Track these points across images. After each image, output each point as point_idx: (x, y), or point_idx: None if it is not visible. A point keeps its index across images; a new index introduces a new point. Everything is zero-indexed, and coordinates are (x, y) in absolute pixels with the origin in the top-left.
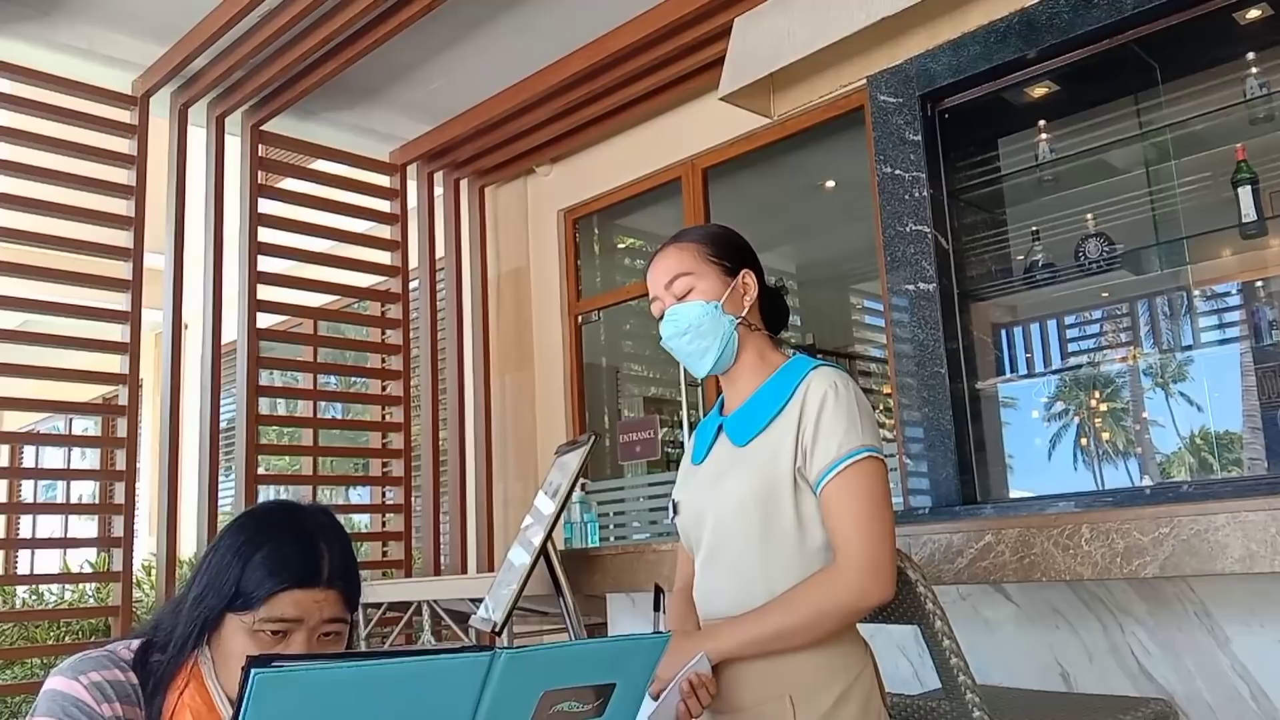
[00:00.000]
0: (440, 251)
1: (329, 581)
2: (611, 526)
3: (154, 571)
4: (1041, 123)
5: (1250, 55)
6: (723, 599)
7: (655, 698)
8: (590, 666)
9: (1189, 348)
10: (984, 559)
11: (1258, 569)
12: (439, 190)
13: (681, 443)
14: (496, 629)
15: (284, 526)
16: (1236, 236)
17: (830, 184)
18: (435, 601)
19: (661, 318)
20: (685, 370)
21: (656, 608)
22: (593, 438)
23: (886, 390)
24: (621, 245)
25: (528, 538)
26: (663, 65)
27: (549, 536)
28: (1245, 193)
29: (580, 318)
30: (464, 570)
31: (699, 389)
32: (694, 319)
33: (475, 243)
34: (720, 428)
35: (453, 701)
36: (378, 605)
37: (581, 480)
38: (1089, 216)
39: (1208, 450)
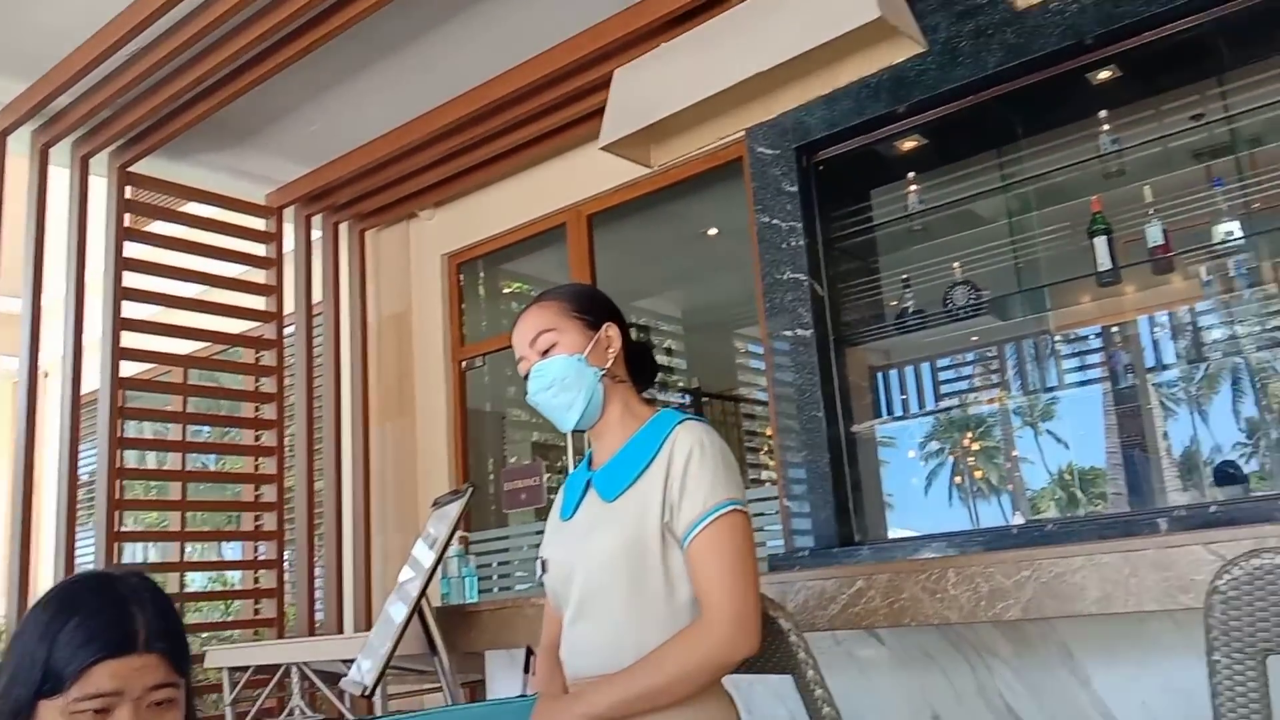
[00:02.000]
0: (318, 296)
1: (147, 645)
2: (495, 577)
3: (5, 637)
4: (911, 174)
5: (1103, 113)
6: (592, 657)
7: None
8: None
9: (1053, 389)
10: (856, 604)
11: (1114, 609)
12: (317, 233)
13: None
14: (367, 692)
15: (92, 596)
16: (1094, 284)
17: (713, 231)
18: (305, 664)
19: (528, 376)
20: None
21: (526, 669)
22: (471, 489)
23: (769, 432)
24: (507, 290)
25: (403, 594)
26: (546, 113)
27: (423, 594)
28: (1100, 243)
29: (464, 363)
30: (340, 628)
31: (585, 435)
32: (559, 373)
33: (355, 287)
34: (589, 483)
35: None
36: (244, 668)
37: (461, 534)
38: (956, 265)
39: (1075, 486)
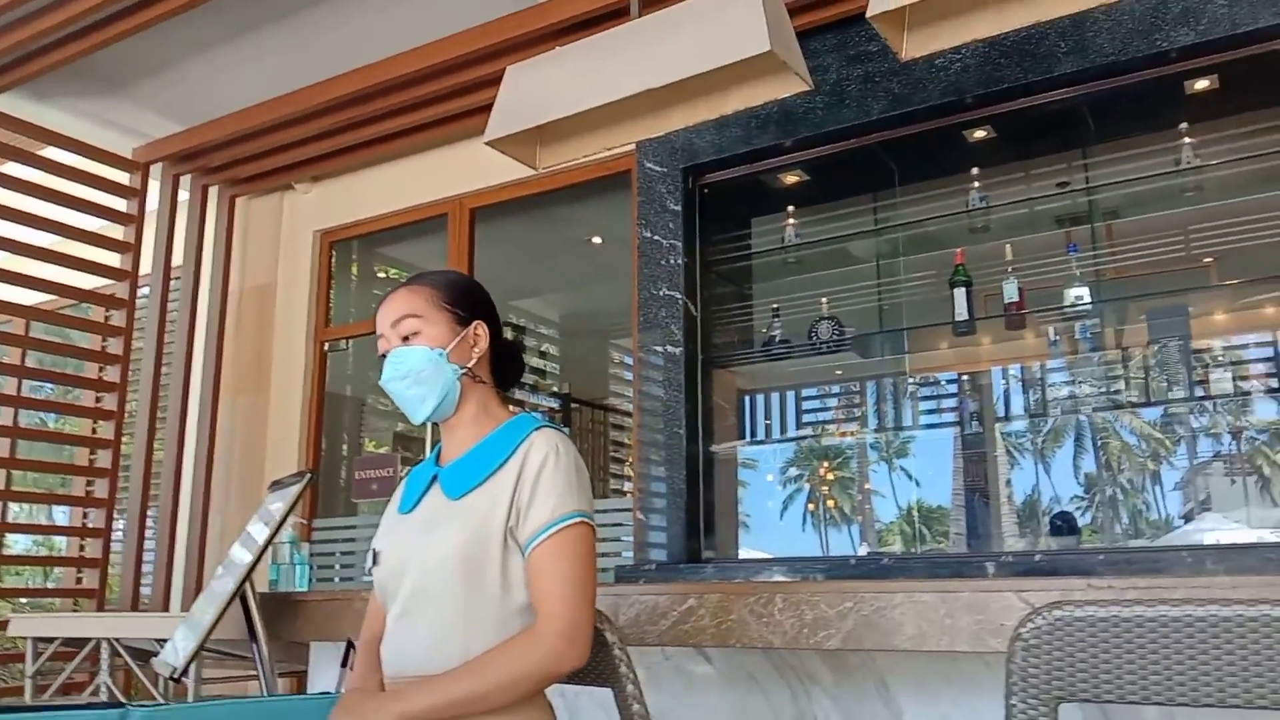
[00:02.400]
0: (178, 259)
1: None
2: (337, 567)
3: None
4: (791, 208)
5: (975, 170)
6: (415, 658)
7: None
8: None
9: (908, 428)
10: (686, 622)
11: (927, 647)
12: (184, 195)
13: None
14: (176, 674)
15: None
16: (950, 332)
17: (597, 240)
18: (117, 639)
19: (385, 357)
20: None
21: (345, 663)
22: (311, 475)
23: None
24: (381, 275)
25: (232, 568)
26: (436, 101)
27: (248, 577)
28: (960, 294)
29: (327, 345)
30: (166, 606)
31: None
32: (415, 364)
33: (219, 254)
34: (434, 478)
35: None
36: (50, 640)
37: (299, 520)
38: (824, 300)
39: (921, 523)
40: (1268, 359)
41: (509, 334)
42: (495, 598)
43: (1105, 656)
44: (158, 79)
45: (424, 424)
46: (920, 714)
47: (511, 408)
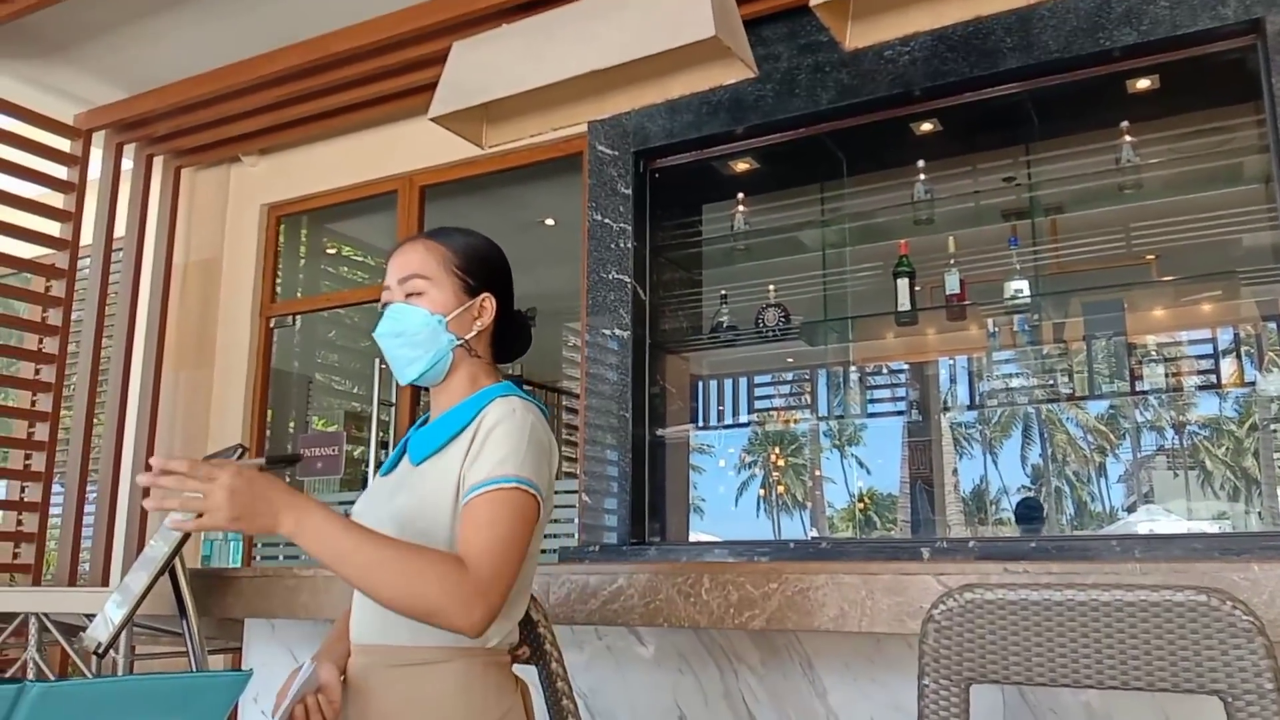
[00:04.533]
0: (120, 230)
1: None
2: (282, 544)
3: None
4: (740, 195)
5: (921, 163)
6: (373, 625)
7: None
8: (148, 704)
9: (855, 416)
10: (614, 602)
11: (848, 628)
12: (127, 164)
13: (370, 461)
14: (100, 649)
15: None
16: (893, 322)
17: (550, 221)
18: (46, 614)
19: (385, 306)
20: (380, 377)
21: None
22: (242, 449)
23: None
24: (331, 250)
25: (167, 536)
26: (385, 76)
27: (177, 552)
28: (903, 284)
29: (273, 320)
30: (105, 582)
31: (393, 409)
32: (412, 326)
33: (163, 226)
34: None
35: None
36: None
37: None
38: (771, 287)
39: (871, 509)
40: (1207, 355)
41: (526, 311)
42: None
43: (1015, 639)
44: (101, 43)
45: (409, 384)
46: (843, 693)
47: (499, 378)
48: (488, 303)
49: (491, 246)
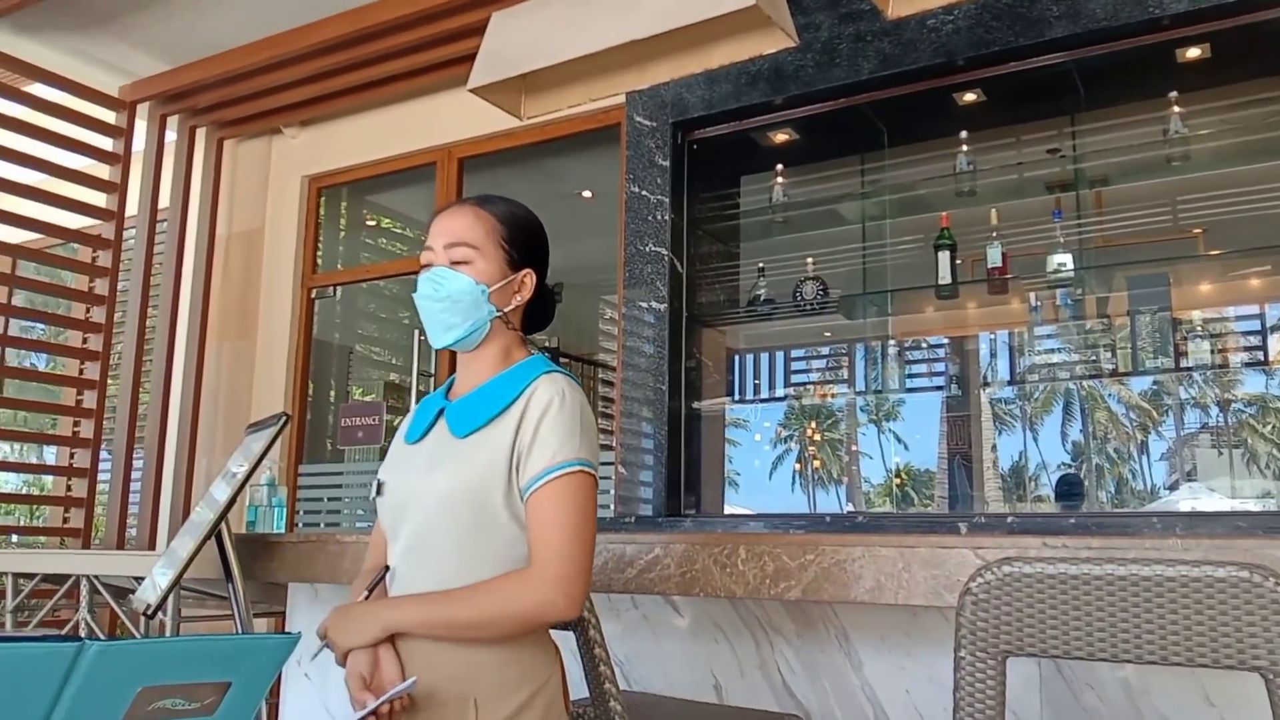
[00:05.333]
0: (165, 201)
1: None
2: (324, 512)
3: None
4: (779, 166)
5: (963, 134)
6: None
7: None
8: (200, 664)
9: (894, 391)
10: (651, 571)
11: (884, 600)
12: (171, 135)
13: None
14: (149, 610)
15: None
16: (933, 296)
17: (587, 193)
18: (97, 577)
19: (427, 269)
20: (419, 348)
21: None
22: (286, 418)
23: None
24: (370, 222)
25: (204, 511)
26: (426, 47)
27: (223, 517)
28: (944, 257)
29: (314, 291)
30: (152, 546)
31: (431, 379)
32: (455, 293)
33: (206, 197)
34: (441, 411)
35: (27, 695)
36: (30, 576)
37: (272, 462)
38: (809, 260)
39: (909, 485)
40: (1254, 331)
41: (554, 285)
42: (501, 536)
43: (1052, 613)
44: (146, 14)
45: (441, 349)
46: (878, 666)
47: (530, 350)
48: (528, 279)
49: (536, 221)
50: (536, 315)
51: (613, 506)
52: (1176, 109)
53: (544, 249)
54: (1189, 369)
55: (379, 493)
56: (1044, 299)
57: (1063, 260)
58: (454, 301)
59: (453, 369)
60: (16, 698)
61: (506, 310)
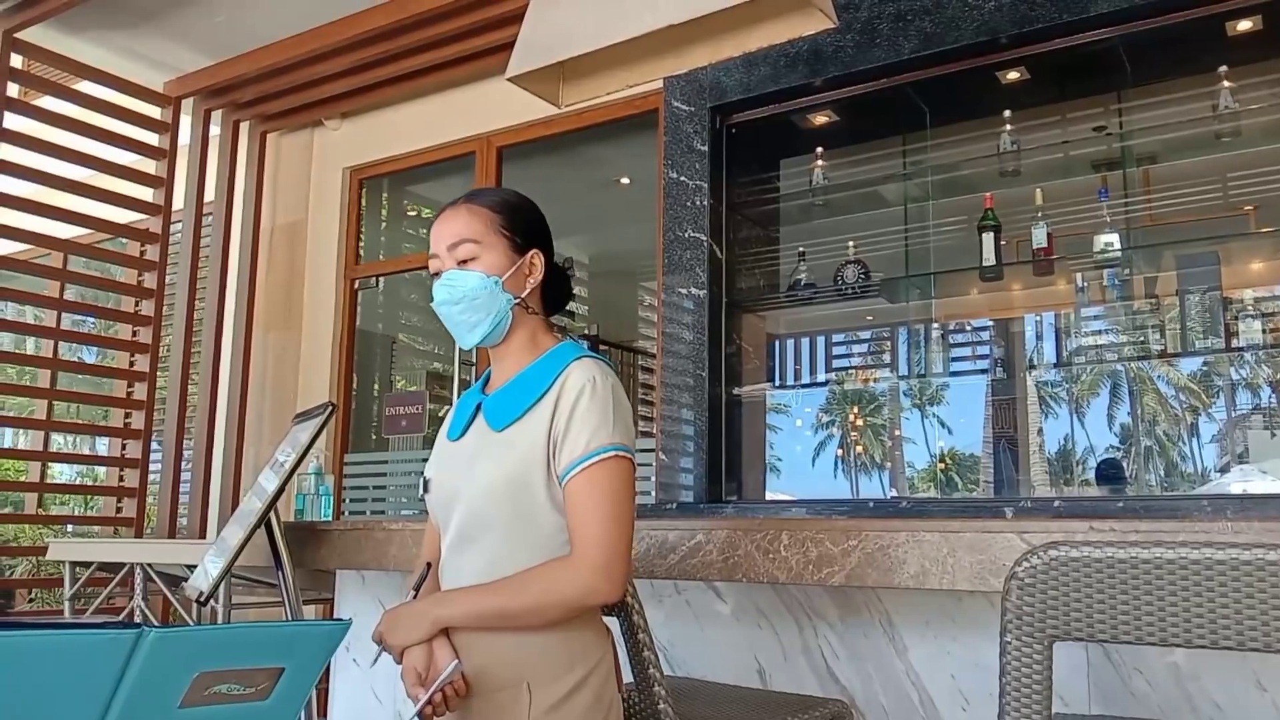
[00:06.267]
0: (210, 195)
1: None
2: (369, 500)
3: None
4: (819, 149)
5: (1007, 113)
6: (471, 583)
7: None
8: (254, 650)
9: (939, 375)
10: (694, 557)
11: (928, 585)
12: (215, 129)
13: None
14: (202, 598)
15: None
16: (978, 278)
17: (625, 180)
18: (150, 565)
19: (438, 277)
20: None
21: (418, 587)
22: (332, 407)
23: None
24: (411, 213)
25: (259, 492)
26: (464, 36)
27: (272, 506)
28: (988, 239)
29: (357, 282)
30: (203, 535)
31: (473, 368)
32: (470, 290)
33: (250, 190)
34: (479, 406)
35: (88, 680)
36: (87, 564)
37: (320, 451)
38: (850, 243)
39: (953, 469)
40: None
41: (562, 262)
42: (544, 524)
43: (1100, 596)
44: (189, 10)
45: (471, 349)
46: (922, 651)
47: (557, 334)
48: (536, 259)
49: (529, 202)
50: (555, 295)
51: (654, 493)
52: (1226, 84)
53: (544, 227)
54: (1240, 349)
55: (426, 490)
56: (1090, 280)
57: (1110, 240)
58: (471, 299)
59: (487, 360)
60: (81, 683)
61: (524, 295)
